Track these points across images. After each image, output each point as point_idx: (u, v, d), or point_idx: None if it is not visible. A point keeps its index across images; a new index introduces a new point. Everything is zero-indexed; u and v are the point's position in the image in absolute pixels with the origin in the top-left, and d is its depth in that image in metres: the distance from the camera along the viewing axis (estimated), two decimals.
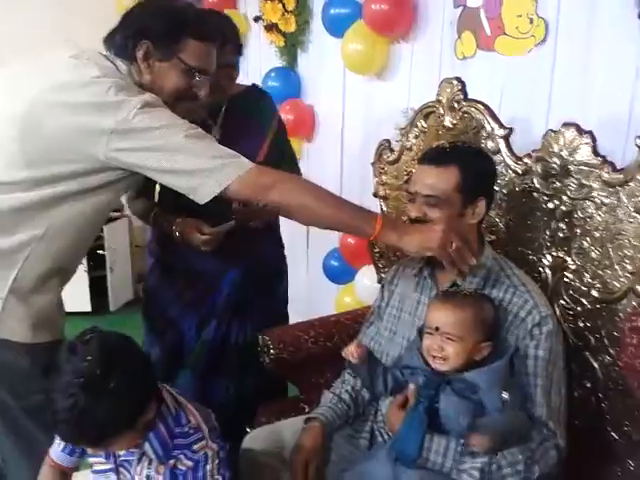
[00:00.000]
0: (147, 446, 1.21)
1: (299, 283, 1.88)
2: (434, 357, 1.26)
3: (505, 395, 1.19)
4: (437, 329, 1.26)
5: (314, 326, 1.92)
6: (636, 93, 1.50)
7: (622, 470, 1.40)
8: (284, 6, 2.75)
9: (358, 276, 2.45)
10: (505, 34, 1.84)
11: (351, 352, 1.33)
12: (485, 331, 1.26)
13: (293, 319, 2.02)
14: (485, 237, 1.48)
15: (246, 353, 1.87)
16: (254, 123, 1.84)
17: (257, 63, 3.14)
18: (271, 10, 2.82)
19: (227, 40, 1.66)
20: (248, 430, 1.67)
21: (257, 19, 2.96)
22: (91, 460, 1.29)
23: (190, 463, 1.21)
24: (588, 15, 1.61)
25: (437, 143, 1.43)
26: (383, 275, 2.02)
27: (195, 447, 1.21)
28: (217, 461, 1.23)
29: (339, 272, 2.60)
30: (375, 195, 2.00)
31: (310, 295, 1.92)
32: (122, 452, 1.24)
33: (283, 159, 1.89)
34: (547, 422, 1.25)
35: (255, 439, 1.52)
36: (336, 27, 2.41)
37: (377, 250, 2.04)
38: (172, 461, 1.21)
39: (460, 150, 1.41)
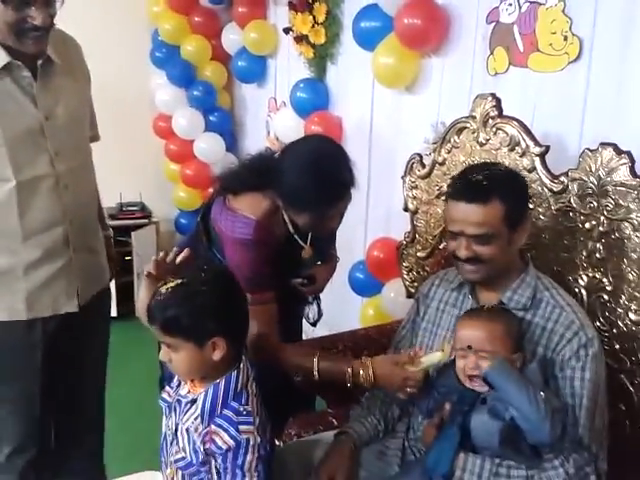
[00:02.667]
0: (201, 395, 1.23)
1: (324, 295, 1.88)
2: (470, 377, 1.26)
3: (542, 394, 1.18)
4: (470, 347, 1.26)
5: (343, 339, 1.92)
6: None
7: None
8: (314, 18, 2.76)
9: (385, 289, 2.45)
10: (539, 51, 1.83)
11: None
12: (514, 343, 1.26)
13: (318, 331, 2.03)
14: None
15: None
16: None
17: (286, 74, 3.16)
18: (301, 22, 2.83)
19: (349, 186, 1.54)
20: (277, 443, 1.67)
21: (287, 30, 2.98)
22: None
23: (231, 441, 1.19)
24: (623, 32, 1.59)
25: (469, 176, 1.36)
26: (411, 289, 2.02)
27: (242, 428, 1.21)
28: (257, 455, 1.22)
29: (365, 285, 2.60)
30: (405, 209, 2.00)
31: (335, 307, 1.93)
32: (183, 392, 1.29)
33: None
34: (590, 445, 1.24)
35: (284, 452, 1.53)
36: (367, 40, 2.41)
37: (406, 264, 2.04)
38: (213, 428, 1.20)
39: (496, 180, 1.35)
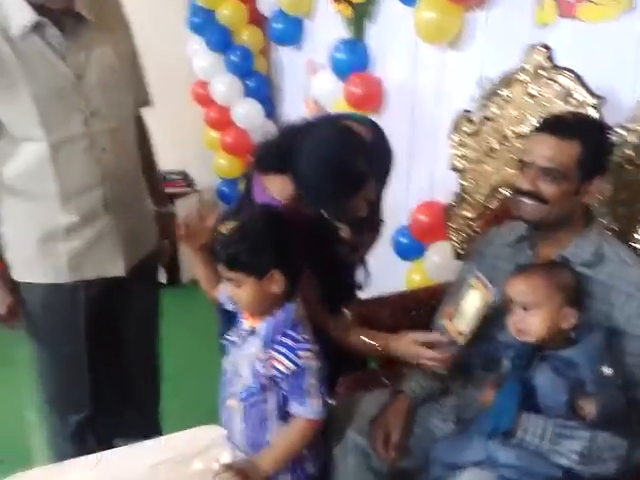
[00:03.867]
0: (261, 324, 1.31)
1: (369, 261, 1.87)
2: (518, 331, 1.26)
3: (607, 370, 1.17)
4: (512, 302, 1.27)
5: (390, 301, 1.93)
6: None
7: None
8: None
9: (428, 253, 2.43)
10: (589, 0, 1.76)
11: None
12: (565, 297, 1.24)
13: (364, 295, 2.03)
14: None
15: None
16: None
17: (323, 35, 3.11)
18: None
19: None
20: (330, 402, 1.70)
21: None
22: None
23: (292, 366, 1.27)
24: None
25: (559, 112, 1.38)
26: (460, 251, 2.01)
27: (301, 353, 1.28)
28: (319, 379, 1.29)
29: (409, 249, 2.58)
30: (453, 169, 1.97)
31: (379, 273, 1.93)
32: (244, 326, 1.36)
33: None
34: None
35: (338, 409, 1.55)
36: None
37: (454, 226, 2.02)
38: (273, 354, 1.28)
39: (584, 123, 1.36)
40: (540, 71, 1.66)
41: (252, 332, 1.33)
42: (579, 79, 1.57)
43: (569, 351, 1.22)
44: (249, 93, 3.69)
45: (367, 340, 1.54)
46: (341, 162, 1.38)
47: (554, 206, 1.30)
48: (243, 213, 1.40)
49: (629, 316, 1.26)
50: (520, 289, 1.27)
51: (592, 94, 1.54)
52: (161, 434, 2.01)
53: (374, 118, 2.80)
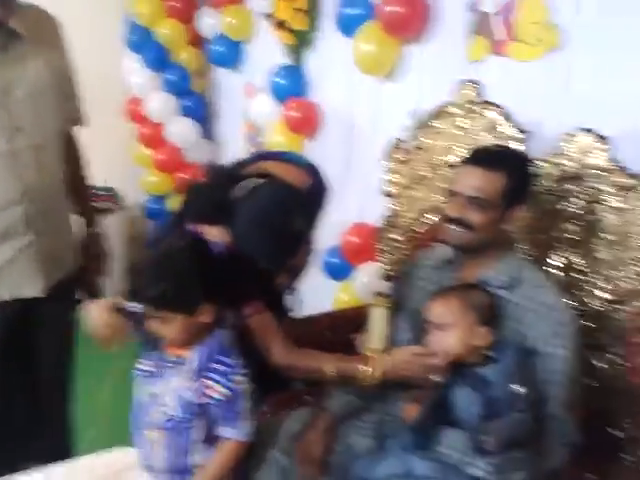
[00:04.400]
0: (192, 354, 1.27)
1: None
2: (437, 352, 1.30)
3: (518, 388, 1.22)
4: (430, 323, 1.32)
5: (319, 321, 1.94)
6: None
7: (622, 465, 1.44)
8: (295, 4, 2.76)
9: (357, 274, 2.47)
10: (518, 40, 1.88)
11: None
12: (479, 316, 1.30)
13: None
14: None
15: None
16: None
17: (263, 60, 3.15)
18: (282, 7, 2.83)
19: None
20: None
21: (269, 16, 2.97)
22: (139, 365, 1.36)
23: (227, 392, 1.25)
24: (603, 22, 1.65)
25: (486, 144, 1.47)
26: (388, 272, 2.05)
27: (235, 378, 1.27)
28: (251, 402, 1.29)
29: (338, 269, 2.61)
30: (385, 194, 2.02)
31: (308, 292, 1.94)
32: (168, 356, 1.31)
33: None
34: (564, 419, 1.28)
35: (260, 429, 1.53)
36: (348, 27, 2.42)
37: (384, 247, 2.06)
38: (206, 382, 1.25)
39: (509, 156, 1.45)
40: (470, 105, 1.75)
41: (178, 362, 1.29)
42: (506, 113, 1.67)
43: (485, 369, 1.26)
44: (185, 112, 3.68)
45: (351, 365, 1.46)
46: (282, 227, 1.38)
47: (479, 232, 1.36)
48: (164, 243, 1.32)
49: (540, 335, 1.31)
50: (437, 311, 1.32)
51: (518, 128, 1.63)
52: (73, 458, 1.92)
53: (310, 141, 2.90)
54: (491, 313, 1.33)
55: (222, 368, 1.26)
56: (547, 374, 1.29)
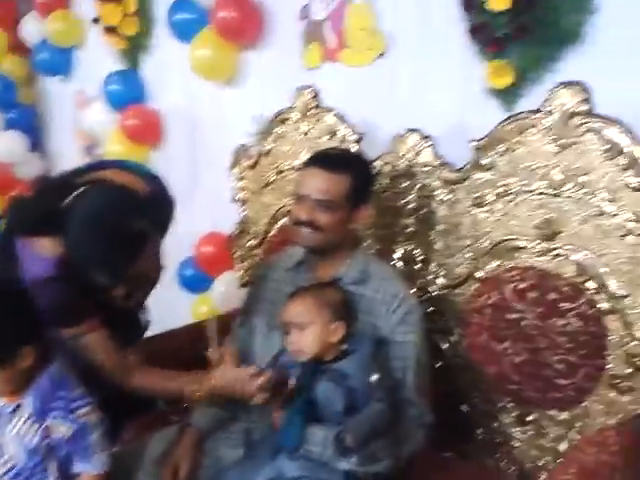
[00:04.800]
0: (26, 399, 1.21)
1: (153, 297, 1.82)
2: (296, 351, 1.33)
3: (374, 377, 1.28)
4: (288, 324, 1.35)
5: (177, 336, 1.89)
6: (465, 101, 1.70)
7: (473, 439, 1.58)
8: (125, 8, 2.66)
9: (214, 284, 2.45)
10: (349, 46, 1.97)
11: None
12: (333, 313, 1.34)
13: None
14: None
15: None
16: None
17: (95, 66, 3.00)
18: (110, 12, 2.71)
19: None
20: (115, 449, 1.60)
21: (96, 21, 2.83)
22: None
23: (73, 426, 1.20)
24: (421, 29, 1.78)
25: (327, 148, 1.52)
26: (245, 279, 2.06)
27: (78, 412, 1.21)
28: (101, 432, 1.24)
29: (194, 281, 2.57)
30: (235, 200, 2.02)
31: (165, 308, 1.89)
32: (6, 406, 1.24)
33: None
34: (418, 402, 1.36)
35: (124, 453, 1.47)
36: (182, 32, 2.38)
37: (238, 254, 2.07)
38: (48, 422, 1.20)
39: (352, 158, 1.51)
40: (309, 110, 1.81)
41: (15, 410, 1.22)
42: (341, 117, 1.74)
43: (342, 363, 1.30)
44: (10, 125, 3.41)
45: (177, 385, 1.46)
46: (116, 227, 1.28)
47: (328, 233, 1.41)
48: None
49: (391, 324, 1.39)
50: (294, 312, 1.35)
51: (352, 130, 1.72)
52: None
53: (154, 150, 2.81)
54: (345, 309, 1.38)
55: (61, 404, 1.21)
56: (399, 361, 1.36)
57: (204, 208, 2.57)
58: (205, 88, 2.48)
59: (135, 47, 2.72)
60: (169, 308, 2.50)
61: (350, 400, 1.27)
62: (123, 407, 1.80)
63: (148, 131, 2.73)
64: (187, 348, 1.82)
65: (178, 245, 2.55)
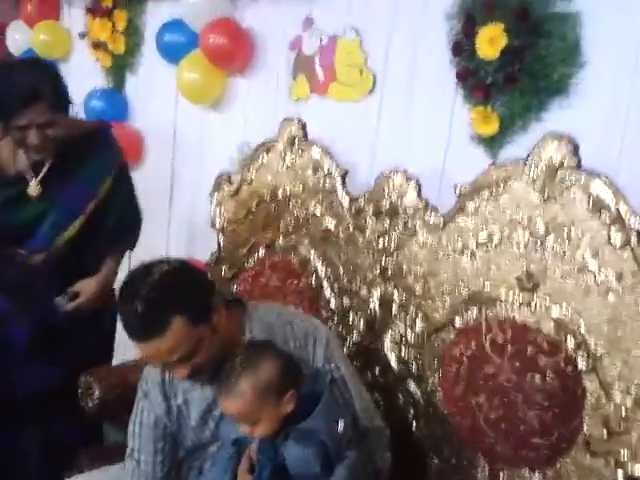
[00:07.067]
0: None
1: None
2: (254, 436, 1.21)
3: (341, 424, 1.21)
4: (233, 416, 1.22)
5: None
6: (451, 145, 1.69)
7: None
8: (114, 25, 2.63)
9: None
10: (337, 81, 1.96)
11: None
12: (278, 389, 1.19)
13: (118, 359, 1.91)
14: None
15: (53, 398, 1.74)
16: (82, 178, 1.75)
17: (80, 82, 2.94)
18: (100, 28, 2.67)
19: (38, 97, 1.55)
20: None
21: (84, 35, 2.79)
22: None
23: None
24: (410, 71, 1.78)
25: (128, 307, 1.17)
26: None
27: None
28: None
29: None
30: (213, 226, 1.98)
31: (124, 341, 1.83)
32: None
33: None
34: (374, 425, 1.33)
35: None
36: (171, 54, 2.37)
37: None
38: None
39: (164, 300, 1.16)
40: (294, 142, 1.78)
41: None
42: (326, 152, 1.72)
43: (308, 422, 1.19)
44: None
45: None
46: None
47: (208, 359, 1.22)
48: None
49: (323, 364, 1.31)
50: (235, 410, 1.19)
51: (337, 166, 1.69)
52: None
53: (132, 170, 2.75)
54: (288, 372, 1.22)
55: None
56: (344, 395, 1.30)
57: (183, 233, 2.51)
58: (189, 111, 2.45)
59: (121, 65, 2.69)
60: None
61: (324, 456, 1.18)
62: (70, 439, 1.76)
63: (128, 150, 2.67)
64: None
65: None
